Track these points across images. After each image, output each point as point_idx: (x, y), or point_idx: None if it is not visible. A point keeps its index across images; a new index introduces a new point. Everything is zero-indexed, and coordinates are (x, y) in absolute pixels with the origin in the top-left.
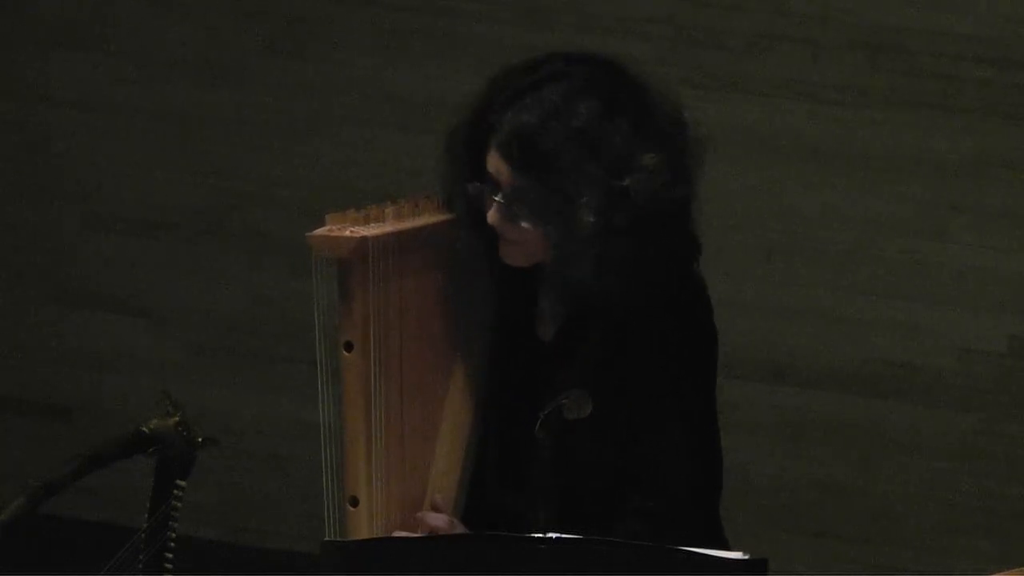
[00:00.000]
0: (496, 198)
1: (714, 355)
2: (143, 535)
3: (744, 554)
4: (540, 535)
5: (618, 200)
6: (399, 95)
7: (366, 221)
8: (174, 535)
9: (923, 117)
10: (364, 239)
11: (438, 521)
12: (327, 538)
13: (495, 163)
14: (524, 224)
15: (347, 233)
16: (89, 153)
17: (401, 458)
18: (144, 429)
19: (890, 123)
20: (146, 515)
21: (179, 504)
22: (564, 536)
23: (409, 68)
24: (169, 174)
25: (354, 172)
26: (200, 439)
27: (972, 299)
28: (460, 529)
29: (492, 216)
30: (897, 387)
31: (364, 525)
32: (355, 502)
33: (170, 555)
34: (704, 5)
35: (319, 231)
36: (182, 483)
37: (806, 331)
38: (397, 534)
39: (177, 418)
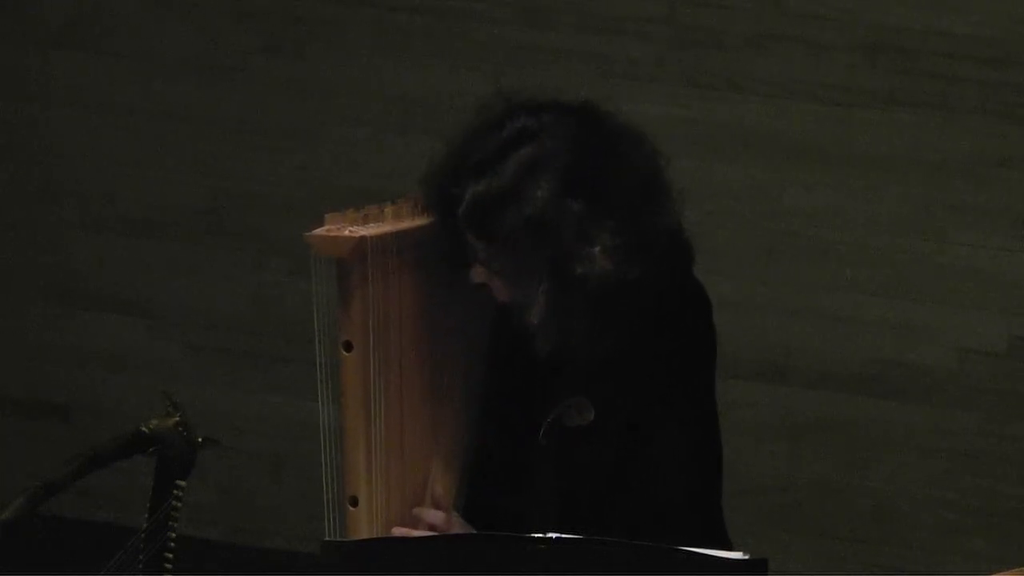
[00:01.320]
0: (478, 260)
1: (712, 359)
2: (143, 535)
3: (744, 554)
4: (540, 535)
5: (568, 286)
6: (399, 95)
7: (365, 221)
8: (174, 535)
9: (923, 117)
10: (363, 239)
11: (435, 518)
12: (327, 538)
13: (465, 231)
14: (503, 288)
15: (346, 233)
16: (89, 153)
17: (401, 457)
18: (144, 429)
19: (890, 123)
20: (146, 515)
21: (179, 504)
22: (564, 536)
23: (409, 68)
24: (169, 174)
25: (354, 172)
26: (200, 439)
27: (972, 299)
28: (458, 523)
29: (476, 276)
30: (897, 387)
31: (364, 525)
32: (355, 502)
33: (170, 555)
34: (704, 5)
35: (318, 231)
36: (182, 483)
37: (806, 331)
38: (396, 530)
39: (177, 418)
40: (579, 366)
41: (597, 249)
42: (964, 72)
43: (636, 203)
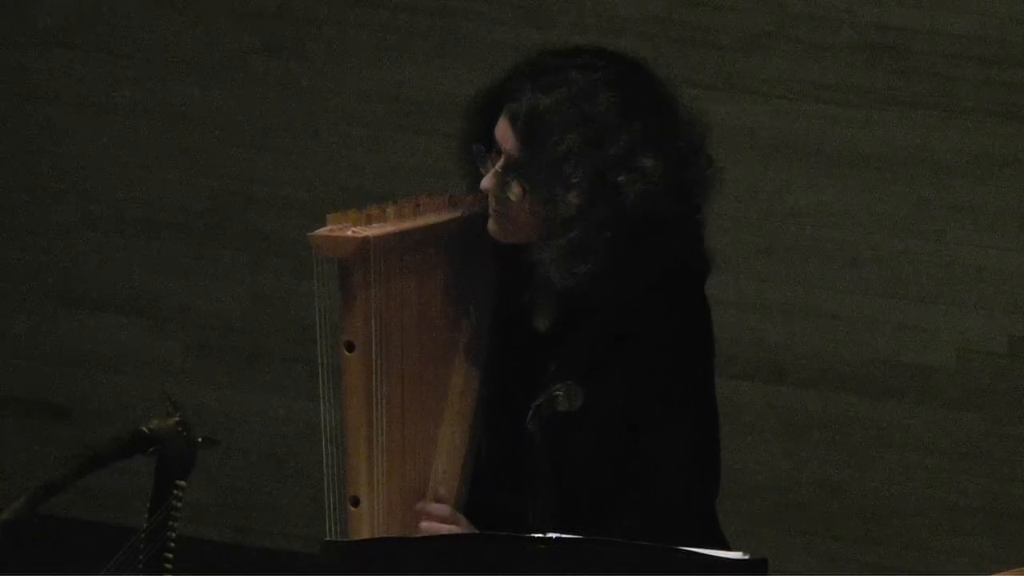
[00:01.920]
0: (495, 167)
1: (710, 360)
2: (143, 535)
3: (744, 554)
4: (540, 535)
5: (606, 194)
6: (399, 95)
7: (368, 221)
8: (174, 535)
9: (923, 117)
10: (366, 239)
11: (442, 511)
12: (327, 538)
13: (503, 129)
14: (514, 197)
15: (349, 233)
16: (89, 153)
17: (402, 458)
18: (144, 429)
19: (890, 123)
20: (146, 515)
21: (179, 504)
22: (564, 536)
23: (409, 68)
24: (169, 174)
25: (354, 172)
26: (200, 439)
27: (972, 299)
28: (463, 521)
29: (487, 181)
30: (897, 387)
31: (365, 525)
32: (356, 502)
33: (170, 555)
34: (703, 4)
35: (321, 231)
36: (182, 483)
37: (806, 331)
38: (424, 526)
39: (177, 418)
40: (575, 344)
41: (652, 163)
42: (964, 72)
43: (682, 154)
